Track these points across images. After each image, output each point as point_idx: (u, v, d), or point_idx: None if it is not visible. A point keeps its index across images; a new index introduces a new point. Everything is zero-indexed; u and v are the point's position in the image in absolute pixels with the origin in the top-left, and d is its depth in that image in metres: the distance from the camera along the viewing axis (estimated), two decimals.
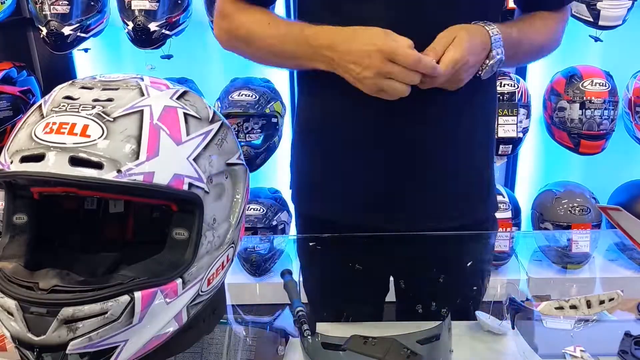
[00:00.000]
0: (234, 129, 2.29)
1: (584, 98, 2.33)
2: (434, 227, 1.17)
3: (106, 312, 0.69)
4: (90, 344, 0.69)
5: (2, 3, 2.36)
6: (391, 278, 1.30)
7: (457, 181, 1.17)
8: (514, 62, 1.37)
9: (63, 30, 2.27)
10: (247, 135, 2.36)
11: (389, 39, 0.96)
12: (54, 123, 0.69)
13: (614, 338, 0.97)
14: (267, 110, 2.38)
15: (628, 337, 0.97)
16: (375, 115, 1.08)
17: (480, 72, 1.04)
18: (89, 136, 0.68)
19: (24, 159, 0.68)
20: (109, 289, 0.69)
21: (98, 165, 0.67)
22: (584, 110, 2.34)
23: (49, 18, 2.26)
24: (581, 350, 0.97)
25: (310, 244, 1.26)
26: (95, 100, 0.71)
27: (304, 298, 1.21)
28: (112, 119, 0.69)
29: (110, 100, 0.71)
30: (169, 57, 2.39)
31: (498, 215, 2.54)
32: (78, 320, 0.68)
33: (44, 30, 2.27)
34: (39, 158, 0.67)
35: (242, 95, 2.37)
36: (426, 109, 1.08)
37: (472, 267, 1.24)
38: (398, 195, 1.15)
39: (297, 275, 1.21)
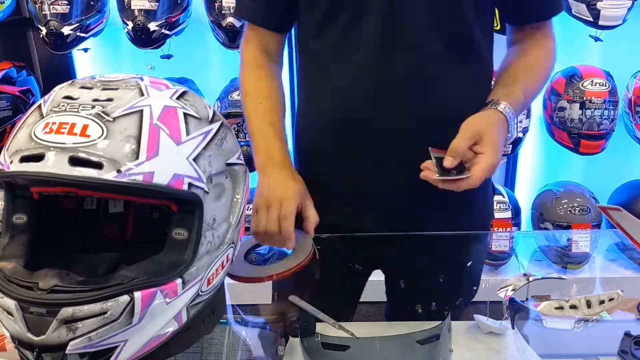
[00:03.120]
0: (234, 128, 2.29)
1: (584, 98, 2.34)
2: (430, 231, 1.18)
3: (106, 312, 0.69)
4: (90, 344, 0.69)
5: (1, 3, 2.36)
6: (382, 278, 1.31)
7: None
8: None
9: (63, 30, 2.27)
10: (246, 135, 2.35)
11: (291, 199, 1.06)
12: (54, 123, 0.69)
13: (614, 338, 0.97)
14: None
15: (628, 337, 0.97)
16: (374, 119, 1.09)
17: None
18: (88, 136, 0.67)
19: (24, 159, 0.68)
20: (109, 289, 0.69)
21: (98, 165, 0.67)
22: (584, 110, 2.34)
23: (48, 18, 2.26)
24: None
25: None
26: (95, 100, 0.71)
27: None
28: (111, 119, 0.69)
29: (110, 100, 0.71)
30: (168, 57, 2.39)
31: (498, 215, 2.54)
32: (78, 320, 0.68)
33: (44, 30, 2.27)
34: (38, 158, 0.67)
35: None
36: (427, 113, 1.08)
37: (466, 267, 1.25)
38: (398, 200, 1.15)
39: None
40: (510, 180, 2.79)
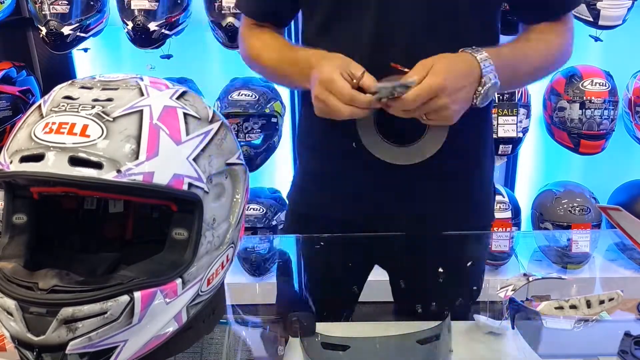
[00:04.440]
0: (234, 128, 2.29)
1: (584, 98, 2.33)
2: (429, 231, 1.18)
3: (106, 312, 0.69)
4: (89, 344, 0.69)
5: (1, 3, 2.36)
6: (382, 278, 1.31)
7: (455, 186, 1.18)
8: (516, 84, 1.35)
9: (62, 30, 2.26)
10: (246, 135, 2.36)
11: (333, 71, 0.98)
12: (54, 123, 0.69)
13: (614, 338, 0.97)
14: (267, 110, 2.37)
15: (628, 337, 0.97)
16: (375, 119, 1.09)
17: (474, 101, 1.01)
18: (88, 136, 0.67)
19: (24, 159, 0.68)
20: (109, 289, 0.69)
21: (98, 165, 0.67)
22: (584, 110, 2.34)
23: (48, 18, 2.26)
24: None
25: (316, 245, 1.26)
26: (95, 100, 0.71)
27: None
28: (111, 119, 0.69)
29: (109, 100, 0.71)
30: (168, 57, 2.39)
31: (498, 215, 2.54)
32: (77, 320, 0.68)
33: (44, 30, 2.27)
34: (38, 158, 0.67)
35: (241, 95, 2.37)
36: None
37: (467, 267, 1.25)
38: (399, 199, 1.15)
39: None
40: (510, 180, 2.79)
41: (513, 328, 1.04)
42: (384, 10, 1.05)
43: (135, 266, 0.74)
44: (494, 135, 2.34)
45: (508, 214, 2.47)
